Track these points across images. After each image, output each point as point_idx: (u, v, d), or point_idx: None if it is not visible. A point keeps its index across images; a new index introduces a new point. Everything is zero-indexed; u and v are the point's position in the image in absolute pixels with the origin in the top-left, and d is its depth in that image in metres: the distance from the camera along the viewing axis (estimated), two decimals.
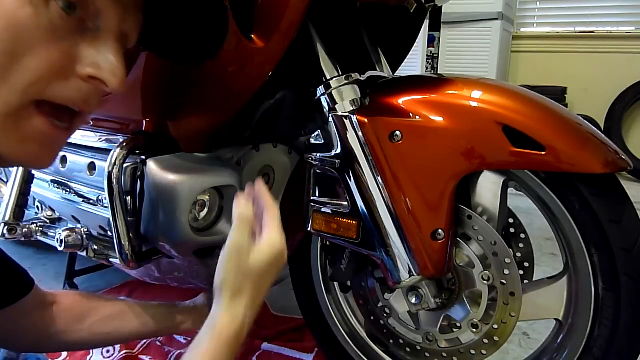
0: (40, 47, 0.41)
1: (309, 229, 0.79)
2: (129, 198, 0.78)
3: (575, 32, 3.49)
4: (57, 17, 0.42)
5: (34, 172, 1.00)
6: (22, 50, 0.41)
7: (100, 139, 0.91)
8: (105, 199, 0.78)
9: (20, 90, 0.42)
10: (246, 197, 0.63)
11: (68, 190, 0.95)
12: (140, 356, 1.07)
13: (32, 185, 1.01)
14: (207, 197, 0.81)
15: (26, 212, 1.02)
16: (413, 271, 0.70)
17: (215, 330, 0.58)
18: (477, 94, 0.66)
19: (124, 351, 1.07)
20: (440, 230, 0.69)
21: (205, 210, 0.82)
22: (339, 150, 0.72)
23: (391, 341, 0.87)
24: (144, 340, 1.11)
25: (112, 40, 0.47)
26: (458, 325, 0.77)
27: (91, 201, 0.90)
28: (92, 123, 0.91)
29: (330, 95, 0.73)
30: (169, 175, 0.75)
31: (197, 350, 0.58)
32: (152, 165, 0.76)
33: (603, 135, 0.65)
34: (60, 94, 0.44)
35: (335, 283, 0.94)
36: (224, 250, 0.60)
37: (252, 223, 0.61)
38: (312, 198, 0.78)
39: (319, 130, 0.76)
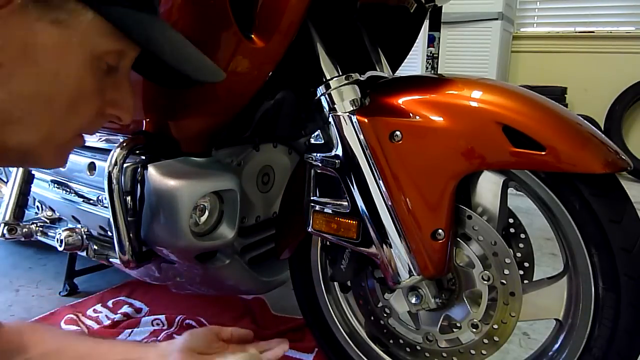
0: (93, 98, 0.54)
1: (309, 229, 0.79)
2: (129, 198, 0.78)
3: (575, 32, 3.49)
4: (102, 72, 0.53)
5: (34, 172, 1.00)
6: (81, 102, 0.52)
7: (100, 139, 0.91)
8: (105, 199, 0.78)
9: (76, 130, 0.55)
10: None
11: (68, 190, 0.95)
12: None
13: (32, 185, 1.01)
14: (207, 202, 0.81)
15: (26, 212, 1.02)
16: (413, 271, 0.70)
17: None
18: (477, 94, 0.66)
19: None
20: (440, 230, 0.69)
21: (206, 214, 0.82)
22: (339, 150, 0.72)
23: (391, 341, 0.87)
24: (144, 340, 1.11)
25: (127, 77, 0.57)
26: (458, 325, 0.77)
27: (91, 201, 0.90)
28: None
29: (330, 95, 0.73)
30: (169, 180, 0.75)
31: None
32: (152, 171, 0.76)
33: (603, 135, 0.65)
34: (94, 128, 0.58)
35: (335, 283, 0.94)
36: None
37: None
38: (312, 198, 0.78)
39: (319, 130, 0.76)
